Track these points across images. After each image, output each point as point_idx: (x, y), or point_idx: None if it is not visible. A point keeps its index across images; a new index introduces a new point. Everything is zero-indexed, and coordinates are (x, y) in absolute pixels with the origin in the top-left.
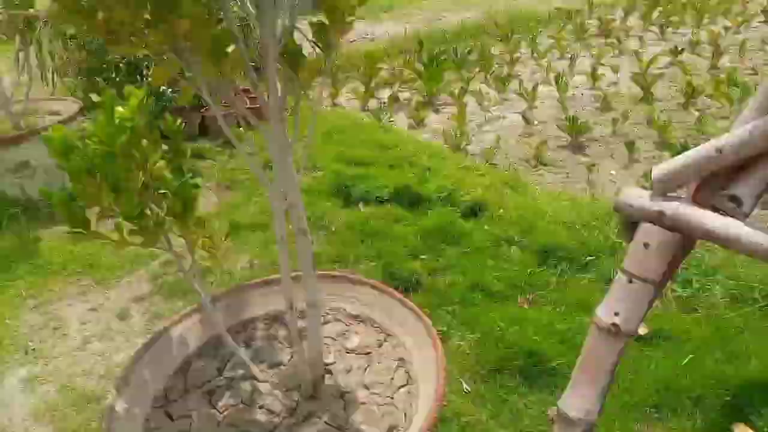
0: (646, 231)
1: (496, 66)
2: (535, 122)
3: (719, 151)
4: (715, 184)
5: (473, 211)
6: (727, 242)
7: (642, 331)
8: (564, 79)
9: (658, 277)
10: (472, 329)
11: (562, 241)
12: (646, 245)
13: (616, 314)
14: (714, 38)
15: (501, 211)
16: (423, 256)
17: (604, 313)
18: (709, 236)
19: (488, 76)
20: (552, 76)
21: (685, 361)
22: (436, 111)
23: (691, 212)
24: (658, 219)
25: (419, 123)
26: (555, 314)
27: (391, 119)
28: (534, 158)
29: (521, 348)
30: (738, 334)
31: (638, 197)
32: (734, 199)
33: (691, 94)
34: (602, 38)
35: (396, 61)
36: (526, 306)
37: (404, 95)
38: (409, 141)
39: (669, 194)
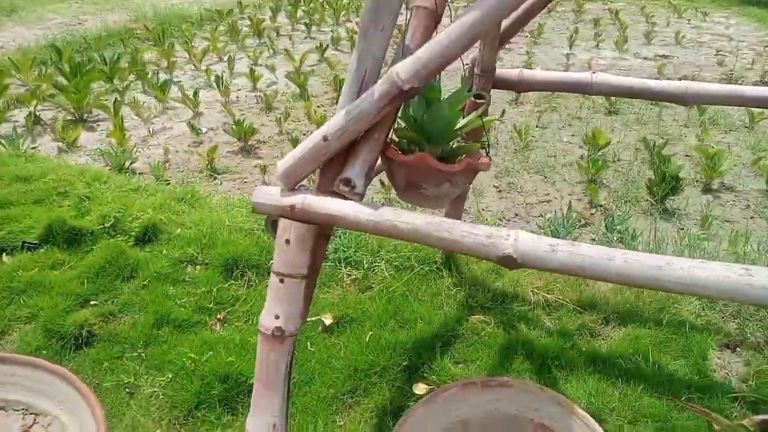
0: (284, 227)
1: (153, 72)
2: (204, 129)
3: (325, 138)
4: (332, 171)
5: (146, 237)
6: (346, 223)
7: (328, 321)
8: (224, 82)
9: (306, 271)
10: (163, 371)
11: (245, 249)
12: (287, 242)
13: (277, 317)
14: (353, 34)
15: (178, 230)
16: (93, 302)
17: (266, 318)
18: (334, 221)
19: (145, 84)
20: (213, 79)
21: (367, 339)
22: (91, 129)
23: (315, 201)
24: (291, 213)
25: (71, 145)
26: (247, 328)
27: (34, 146)
28: (207, 167)
29: (216, 375)
30: (405, 301)
31: (270, 194)
32: (348, 182)
33: (338, 87)
34: (256, 38)
35: (30, 74)
36: (218, 327)
37: (49, 114)
38: (59, 168)
39: (298, 186)
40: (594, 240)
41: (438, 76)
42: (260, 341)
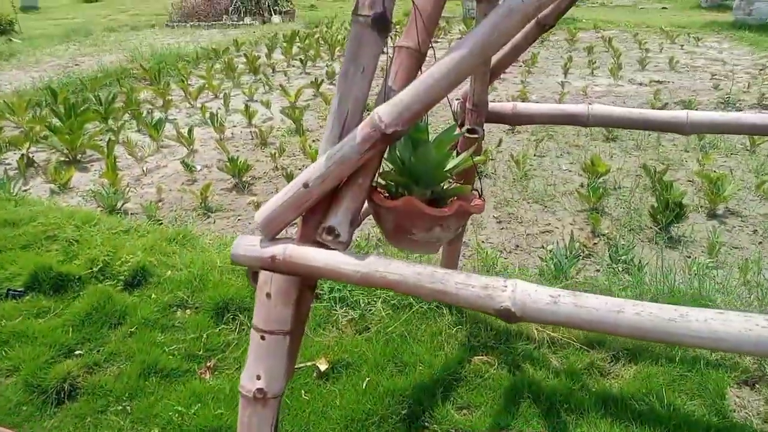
0: (265, 279)
1: (147, 111)
2: (198, 167)
3: (306, 185)
4: (315, 218)
5: (136, 281)
6: (331, 274)
7: (323, 366)
8: (219, 119)
9: (289, 326)
10: (149, 425)
11: (236, 292)
12: (268, 295)
13: (258, 378)
14: None
15: (169, 273)
16: (78, 351)
17: (247, 379)
18: (318, 272)
19: (140, 123)
20: (208, 116)
21: (364, 386)
22: (84, 169)
23: (297, 251)
24: (272, 264)
25: (63, 186)
26: (238, 376)
27: (26, 188)
28: (201, 206)
29: (204, 430)
30: (404, 342)
31: (250, 245)
32: (331, 231)
33: None
34: (251, 75)
35: (25, 116)
36: (207, 376)
37: (42, 156)
38: (49, 211)
39: (279, 236)
40: (598, 271)
41: (425, 116)
42: (241, 404)
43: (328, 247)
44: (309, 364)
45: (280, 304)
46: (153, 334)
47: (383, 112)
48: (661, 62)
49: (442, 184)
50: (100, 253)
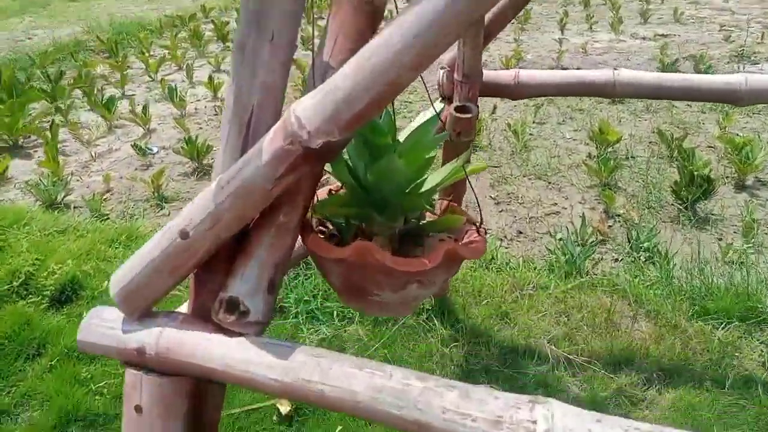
0: (132, 383)
1: (102, 87)
2: (154, 149)
3: (185, 235)
4: (213, 280)
5: (64, 296)
6: (231, 379)
7: (284, 409)
8: (179, 93)
9: None
10: None
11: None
12: (137, 409)
13: None
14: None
15: (105, 284)
16: None
17: None
18: (209, 374)
19: (91, 102)
20: (167, 91)
21: None
22: (27, 156)
23: (178, 339)
24: (140, 360)
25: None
26: None
27: None
28: (154, 195)
29: None
30: None
31: (106, 326)
32: (233, 305)
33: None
34: (220, 42)
35: None
36: None
37: None
38: None
39: (155, 312)
40: (617, 261)
41: (389, 107)
42: None
43: (229, 332)
44: (268, 403)
45: (158, 421)
46: (77, 368)
47: (304, 111)
48: (665, 14)
49: (419, 213)
50: (25, 263)
